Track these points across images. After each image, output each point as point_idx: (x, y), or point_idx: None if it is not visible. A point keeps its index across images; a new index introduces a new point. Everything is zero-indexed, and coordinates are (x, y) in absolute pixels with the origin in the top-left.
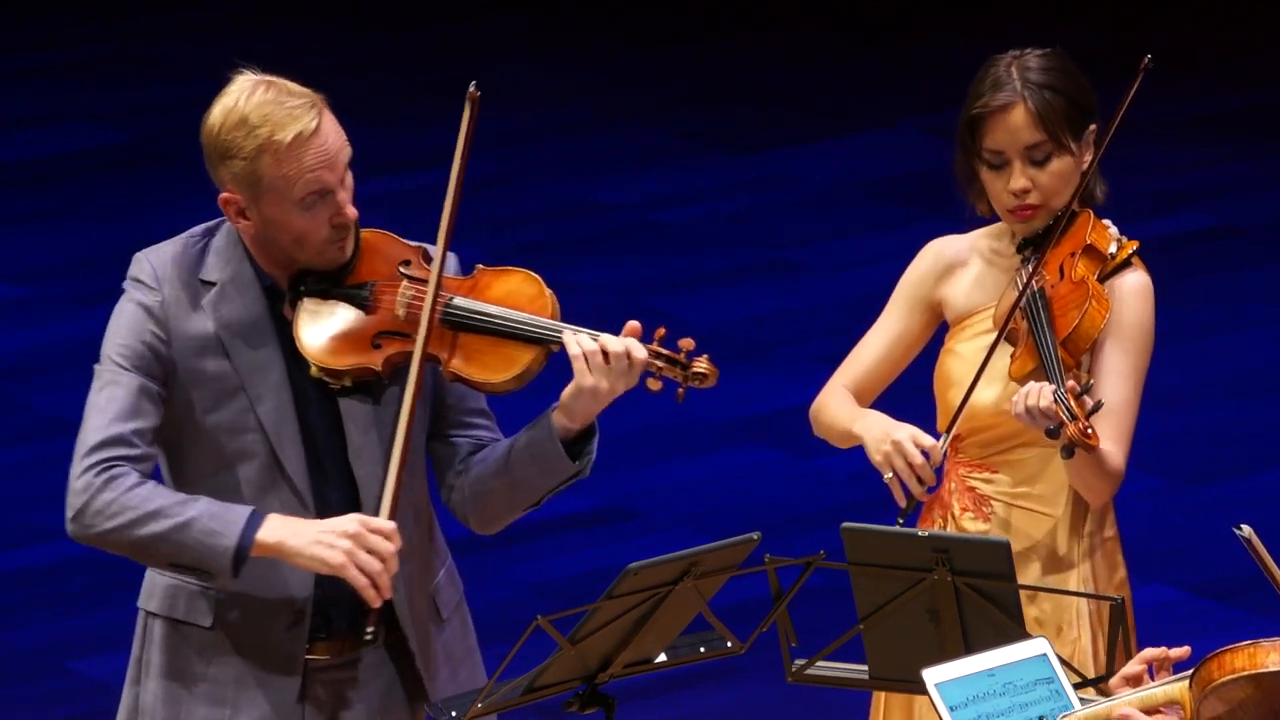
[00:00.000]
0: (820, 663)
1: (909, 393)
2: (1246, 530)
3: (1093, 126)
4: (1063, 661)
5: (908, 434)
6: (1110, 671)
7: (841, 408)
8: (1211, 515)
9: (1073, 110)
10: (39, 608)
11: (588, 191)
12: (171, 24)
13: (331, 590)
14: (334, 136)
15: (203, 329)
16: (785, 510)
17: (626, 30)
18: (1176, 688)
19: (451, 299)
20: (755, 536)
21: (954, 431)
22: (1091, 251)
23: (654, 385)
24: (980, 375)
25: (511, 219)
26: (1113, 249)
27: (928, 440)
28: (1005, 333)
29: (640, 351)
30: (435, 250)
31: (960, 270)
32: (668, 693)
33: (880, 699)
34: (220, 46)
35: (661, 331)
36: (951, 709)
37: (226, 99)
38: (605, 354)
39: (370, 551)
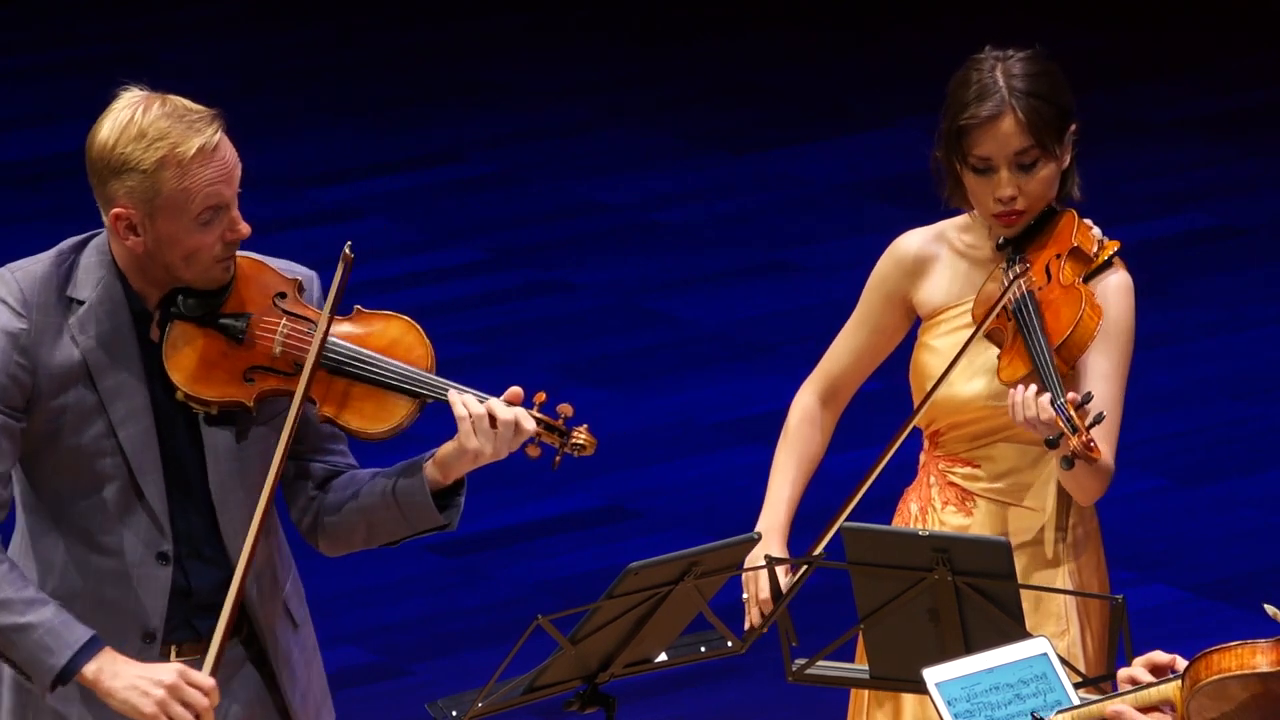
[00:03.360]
0: (820, 662)
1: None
2: (1271, 610)
3: (1073, 126)
4: (1063, 661)
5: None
6: (1111, 671)
7: (777, 474)
8: (1212, 515)
9: (1058, 115)
10: None
11: (588, 191)
12: (172, 24)
13: (197, 602)
14: (231, 152)
15: (68, 356)
16: None
17: (626, 30)
18: (1170, 686)
19: (334, 342)
20: (756, 536)
21: (935, 426)
22: (1077, 254)
23: (533, 451)
24: (949, 372)
25: (511, 219)
26: (1094, 250)
27: None
28: (988, 331)
29: (528, 422)
30: (309, 278)
31: (931, 265)
32: (668, 692)
33: (863, 700)
34: (221, 47)
35: (541, 397)
36: (951, 707)
37: (118, 114)
38: (492, 419)
39: (184, 704)
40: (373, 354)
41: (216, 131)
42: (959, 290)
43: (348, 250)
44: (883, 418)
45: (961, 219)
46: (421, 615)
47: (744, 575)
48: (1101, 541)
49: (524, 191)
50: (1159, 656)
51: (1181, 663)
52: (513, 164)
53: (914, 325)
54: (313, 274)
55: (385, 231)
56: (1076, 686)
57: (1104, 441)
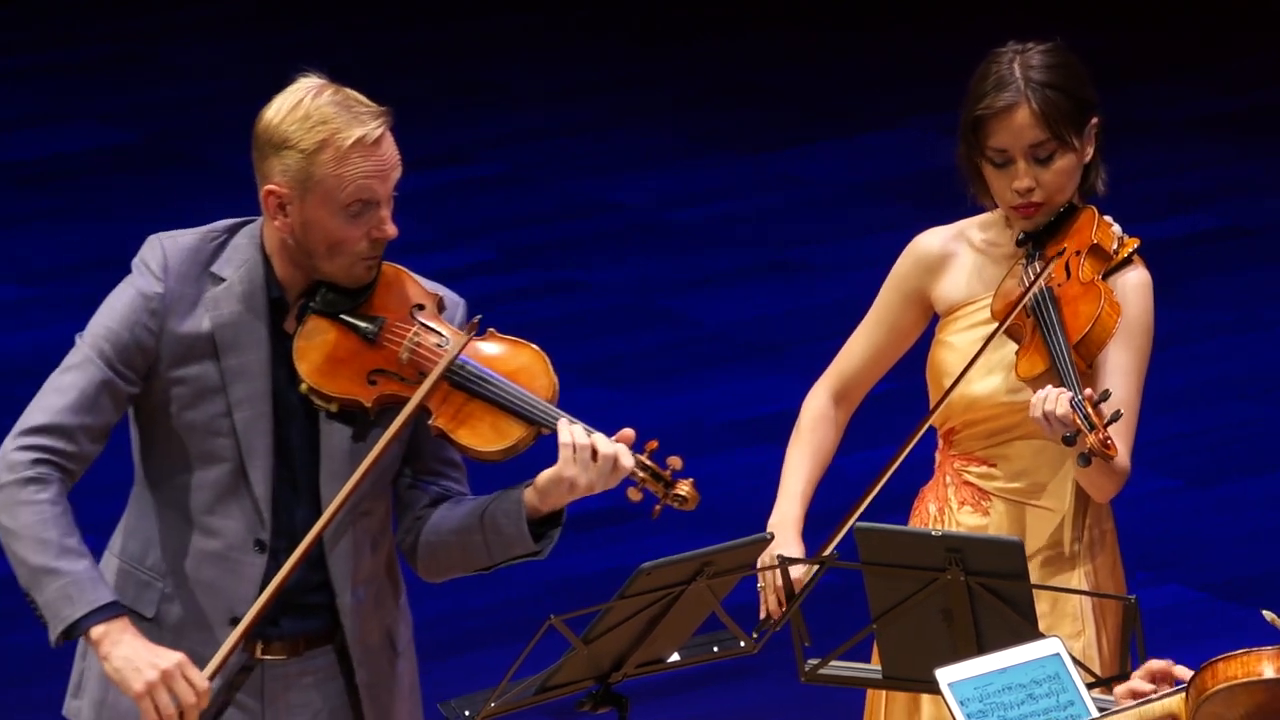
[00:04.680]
0: (833, 662)
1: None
2: (1270, 616)
3: (1094, 120)
4: (1075, 661)
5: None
6: (1123, 671)
7: (789, 470)
8: (1225, 515)
9: (1075, 107)
10: None
11: (599, 191)
12: (172, 24)
13: (287, 599)
14: (392, 151)
15: (197, 328)
16: None
17: (638, 29)
18: (1174, 700)
19: (462, 359)
20: (768, 536)
21: (949, 424)
22: (1097, 251)
23: (634, 495)
24: (969, 368)
25: (523, 218)
26: (1114, 247)
27: None
28: (1006, 328)
29: (627, 459)
30: (453, 302)
31: (949, 262)
32: (681, 692)
33: (880, 700)
34: (221, 47)
35: (654, 444)
36: (964, 708)
37: (289, 95)
38: (594, 452)
39: (173, 694)
40: (497, 375)
41: (380, 127)
42: (978, 287)
43: (475, 320)
44: (895, 418)
45: (982, 217)
46: (432, 615)
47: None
48: (1117, 542)
49: (531, 191)
50: (1154, 663)
51: (1180, 669)
52: (517, 164)
53: (930, 325)
54: (459, 300)
55: None
56: (1090, 687)
57: (1121, 439)
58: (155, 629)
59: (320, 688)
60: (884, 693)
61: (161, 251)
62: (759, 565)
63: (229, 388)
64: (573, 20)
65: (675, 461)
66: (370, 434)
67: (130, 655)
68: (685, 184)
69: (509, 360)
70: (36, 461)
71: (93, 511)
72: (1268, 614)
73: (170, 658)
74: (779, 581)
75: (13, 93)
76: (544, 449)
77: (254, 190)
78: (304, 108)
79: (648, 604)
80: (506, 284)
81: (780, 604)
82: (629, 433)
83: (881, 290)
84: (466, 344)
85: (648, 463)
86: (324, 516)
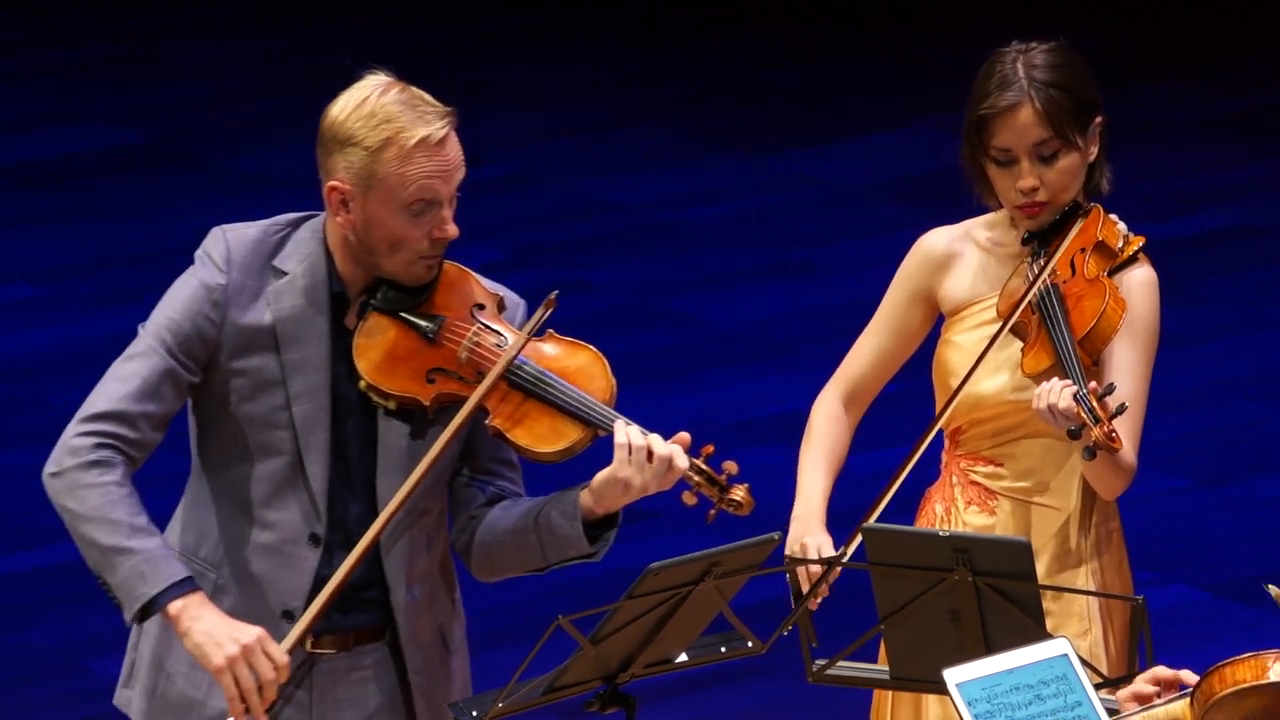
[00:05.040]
0: (841, 663)
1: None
2: (1274, 590)
3: (1098, 119)
4: (1083, 662)
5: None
6: (1130, 672)
7: (806, 467)
8: (1232, 515)
9: (1079, 106)
10: (57, 607)
11: (604, 191)
12: (172, 24)
13: (341, 593)
14: (456, 152)
15: (258, 320)
16: None
17: (638, 29)
18: (1179, 705)
19: (520, 360)
20: (775, 536)
21: (955, 423)
22: (1102, 248)
23: (689, 499)
24: (977, 366)
25: (528, 218)
26: (1120, 245)
27: None
28: (1012, 325)
29: (681, 461)
30: (514, 302)
31: (956, 261)
32: (688, 693)
33: (886, 699)
34: (221, 47)
35: (709, 449)
36: (972, 708)
37: (355, 91)
38: (649, 453)
39: (253, 669)
40: (555, 377)
41: (445, 127)
42: (983, 286)
43: (552, 297)
44: (902, 418)
45: (987, 217)
46: None
47: (786, 562)
48: (1124, 541)
49: (531, 192)
50: (1162, 671)
51: (1188, 675)
52: (521, 165)
53: (935, 326)
54: (519, 300)
55: None
56: (1097, 688)
57: (1127, 435)
58: None
59: (373, 683)
60: (890, 693)
61: (225, 243)
62: (784, 563)
63: (288, 381)
64: (573, 20)
65: (731, 466)
66: (428, 432)
67: (210, 630)
68: (686, 184)
69: (567, 361)
70: (99, 446)
71: (149, 503)
72: (1272, 588)
73: (250, 632)
74: (811, 570)
75: (13, 93)
76: (602, 452)
77: (257, 190)
78: (369, 105)
79: (656, 604)
80: (516, 284)
81: (814, 596)
82: (685, 436)
83: (888, 292)
84: (525, 343)
85: (703, 466)
86: (383, 515)
